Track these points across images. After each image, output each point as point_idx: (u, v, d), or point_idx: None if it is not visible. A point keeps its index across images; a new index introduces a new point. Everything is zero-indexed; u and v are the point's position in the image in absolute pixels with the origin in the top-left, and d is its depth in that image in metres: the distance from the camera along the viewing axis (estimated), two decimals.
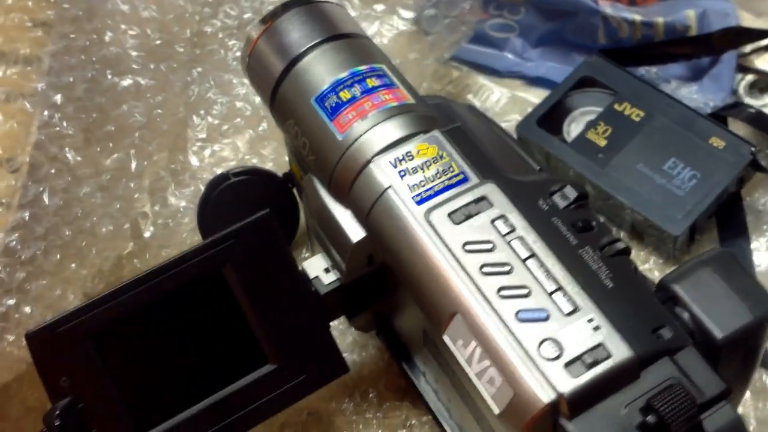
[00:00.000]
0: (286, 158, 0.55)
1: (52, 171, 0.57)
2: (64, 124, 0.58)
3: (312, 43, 0.48)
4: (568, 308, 0.38)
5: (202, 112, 0.62)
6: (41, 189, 0.56)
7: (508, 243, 0.41)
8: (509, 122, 0.66)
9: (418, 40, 0.66)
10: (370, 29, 0.66)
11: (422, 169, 0.43)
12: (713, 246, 0.59)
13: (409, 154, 0.44)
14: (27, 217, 0.55)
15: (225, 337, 0.46)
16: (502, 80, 0.69)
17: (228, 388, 0.45)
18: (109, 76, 0.58)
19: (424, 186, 0.43)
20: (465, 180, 0.43)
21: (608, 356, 0.37)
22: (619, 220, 0.60)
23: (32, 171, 0.56)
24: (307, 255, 0.58)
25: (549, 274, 0.40)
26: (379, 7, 0.68)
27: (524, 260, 0.40)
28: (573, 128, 0.63)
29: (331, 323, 0.48)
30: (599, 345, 0.37)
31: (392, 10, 0.67)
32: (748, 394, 0.53)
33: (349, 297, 0.47)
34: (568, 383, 0.37)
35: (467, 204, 0.42)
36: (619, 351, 0.37)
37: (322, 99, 0.46)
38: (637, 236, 0.60)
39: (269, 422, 0.46)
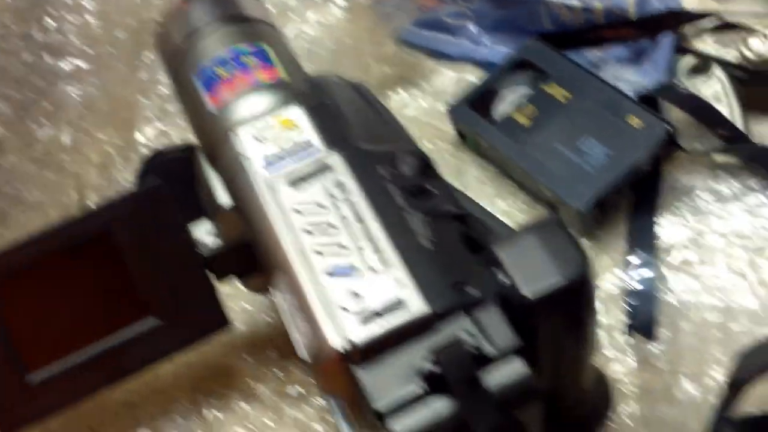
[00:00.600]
0: None
1: None
2: None
3: (205, 23, 0.52)
4: (378, 266, 0.41)
5: (150, 94, 0.67)
6: None
7: (336, 206, 0.44)
8: None
9: (373, 22, 0.70)
10: (322, 11, 0.70)
11: (277, 139, 0.47)
12: (626, 223, 0.60)
13: (267, 126, 0.48)
14: None
15: (111, 290, 0.51)
16: (454, 65, 0.71)
17: (112, 335, 0.50)
18: (50, 61, 0.64)
19: (276, 155, 0.46)
20: (314, 151, 0.46)
21: (403, 309, 0.40)
22: (541, 198, 0.62)
23: None
24: None
25: (368, 234, 0.43)
26: None
27: (347, 221, 0.43)
28: (501, 109, 0.65)
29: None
30: (398, 299, 0.40)
31: None
32: (633, 363, 0.54)
33: (229, 260, 0.51)
34: (361, 333, 0.40)
35: (311, 172, 0.45)
36: (415, 305, 0.40)
37: (202, 73, 0.51)
38: (555, 213, 0.61)
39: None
